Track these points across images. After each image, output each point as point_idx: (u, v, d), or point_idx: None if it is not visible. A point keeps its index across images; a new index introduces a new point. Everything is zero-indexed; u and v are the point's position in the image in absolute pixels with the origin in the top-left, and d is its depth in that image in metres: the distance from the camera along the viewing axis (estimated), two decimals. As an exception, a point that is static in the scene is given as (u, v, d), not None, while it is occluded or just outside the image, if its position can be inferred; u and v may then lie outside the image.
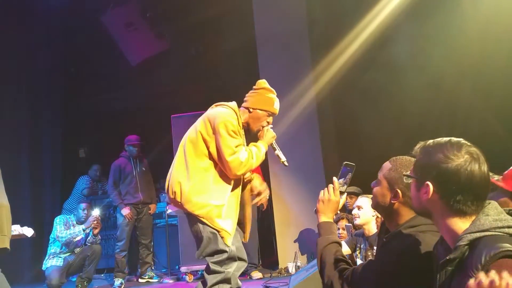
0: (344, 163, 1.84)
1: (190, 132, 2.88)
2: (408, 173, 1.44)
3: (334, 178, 1.83)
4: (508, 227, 1.20)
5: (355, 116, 5.80)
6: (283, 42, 5.84)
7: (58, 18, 6.99)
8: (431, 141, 1.37)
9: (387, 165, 1.71)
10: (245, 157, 2.73)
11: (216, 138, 2.75)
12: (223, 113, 2.81)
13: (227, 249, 2.67)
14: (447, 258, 1.24)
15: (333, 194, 1.82)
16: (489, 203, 1.28)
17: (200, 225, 2.73)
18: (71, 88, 7.69)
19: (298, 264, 5.24)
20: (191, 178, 2.75)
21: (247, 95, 2.98)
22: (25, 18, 6.64)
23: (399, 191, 1.61)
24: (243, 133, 2.90)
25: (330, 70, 5.69)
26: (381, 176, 1.70)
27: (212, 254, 2.71)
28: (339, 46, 5.66)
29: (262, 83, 2.99)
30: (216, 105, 2.98)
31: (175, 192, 2.77)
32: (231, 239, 2.75)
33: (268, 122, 2.93)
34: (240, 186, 2.91)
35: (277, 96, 3.01)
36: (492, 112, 4.57)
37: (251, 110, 2.90)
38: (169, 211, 2.93)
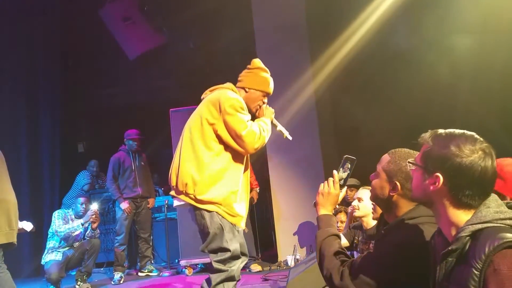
0: (345, 156, 1.83)
1: (193, 122, 2.79)
2: (413, 160, 1.42)
3: (334, 171, 1.83)
4: (510, 218, 1.21)
5: (354, 110, 5.80)
6: (281, 36, 5.82)
7: (56, 12, 6.95)
8: (442, 131, 1.34)
9: (386, 157, 1.71)
10: (258, 129, 2.71)
11: (225, 119, 2.68)
12: (226, 94, 2.76)
13: (230, 248, 2.65)
14: (449, 248, 1.24)
15: (333, 187, 1.82)
16: (490, 195, 1.29)
17: (208, 219, 2.68)
18: (70, 82, 7.66)
19: (297, 257, 5.26)
20: (203, 168, 2.67)
21: (241, 74, 2.95)
22: (22, 12, 6.60)
23: (398, 183, 1.62)
24: None
25: (329, 65, 5.68)
26: (380, 169, 1.70)
27: (215, 251, 2.68)
28: (338, 41, 5.65)
29: (257, 62, 2.97)
30: (212, 90, 2.93)
31: (186, 184, 2.68)
32: (244, 221, 2.76)
33: (264, 102, 2.92)
34: (248, 171, 2.89)
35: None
36: (489, 109, 4.57)
37: (247, 90, 2.88)
38: (175, 203, 2.87)
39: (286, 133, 2.91)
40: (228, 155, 2.73)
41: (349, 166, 1.84)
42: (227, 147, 2.73)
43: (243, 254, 2.78)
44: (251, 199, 5.83)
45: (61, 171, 6.99)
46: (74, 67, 7.78)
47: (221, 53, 7.11)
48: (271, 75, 2.97)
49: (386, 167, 1.67)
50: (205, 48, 7.39)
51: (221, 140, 2.72)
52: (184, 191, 2.71)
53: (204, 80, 7.39)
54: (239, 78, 2.95)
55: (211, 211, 2.68)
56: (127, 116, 7.26)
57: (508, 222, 1.20)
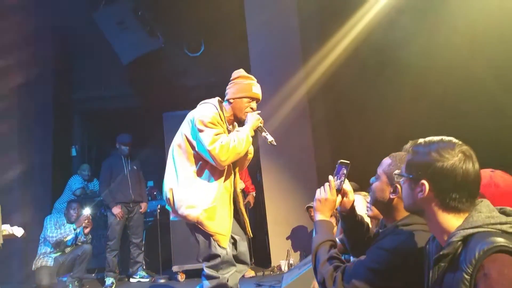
0: (339, 161, 1.83)
1: (177, 137, 2.89)
2: (399, 172, 1.45)
3: (330, 177, 1.82)
4: (500, 223, 1.22)
5: (346, 113, 5.82)
6: (274, 39, 5.85)
7: (49, 16, 6.92)
8: (422, 140, 1.38)
9: (386, 160, 1.72)
10: (226, 141, 2.69)
11: (196, 135, 2.74)
12: (201, 109, 2.82)
13: (220, 253, 2.67)
14: (441, 253, 1.25)
15: (330, 193, 1.81)
16: (481, 201, 1.30)
17: (195, 230, 2.77)
18: (63, 86, 7.61)
19: (291, 262, 5.24)
20: (181, 183, 2.75)
21: (226, 88, 2.98)
22: (16, 15, 6.55)
23: (398, 186, 1.63)
24: (227, 125, 2.88)
25: (321, 68, 5.70)
26: (381, 172, 1.71)
27: (207, 259, 2.73)
28: (330, 43, 5.68)
29: (237, 72, 3.00)
30: (199, 104, 2.98)
31: (168, 199, 2.79)
32: (227, 240, 2.74)
33: (252, 108, 2.92)
34: (231, 183, 2.89)
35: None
36: (478, 116, 4.60)
37: (231, 101, 2.91)
38: (171, 217, 2.94)
39: (270, 139, 2.88)
40: (207, 172, 2.77)
41: (344, 171, 1.83)
42: (206, 163, 2.77)
43: (243, 262, 2.79)
44: (248, 203, 5.82)
45: (54, 175, 6.93)
46: (67, 71, 7.74)
47: (215, 57, 7.11)
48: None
49: (387, 170, 1.69)
50: (198, 52, 7.40)
51: (198, 156, 2.77)
52: (169, 206, 2.83)
53: (198, 84, 7.42)
54: (225, 93, 2.98)
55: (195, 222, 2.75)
56: (121, 119, 7.23)
57: (499, 226, 1.21)
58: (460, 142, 1.32)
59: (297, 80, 5.71)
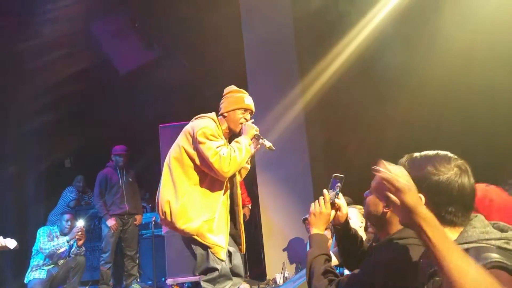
0: (334, 175, 1.84)
1: (173, 150, 2.91)
2: None
3: (325, 191, 1.84)
4: (495, 239, 1.21)
5: (343, 127, 5.83)
6: (271, 53, 5.88)
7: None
8: (417, 154, 1.39)
9: None
10: (227, 152, 2.73)
11: (197, 148, 2.76)
12: (200, 123, 2.85)
13: (218, 266, 2.67)
14: (435, 268, 1.24)
15: (324, 207, 1.82)
16: (476, 216, 1.31)
17: (192, 243, 2.76)
18: (57, 96, 7.60)
19: (286, 275, 5.21)
20: (180, 196, 2.76)
21: (220, 104, 3.04)
22: (10, 27, 6.57)
23: None
24: (225, 139, 2.94)
25: (317, 82, 5.73)
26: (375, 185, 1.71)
27: (204, 272, 2.73)
28: (327, 58, 5.71)
29: (229, 88, 3.07)
30: (195, 118, 3.02)
31: (165, 212, 2.78)
32: (224, 252, 2.76)
33: (246, 119, 2.97)
34: (228, 196, 2.91)
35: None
36: (473, 129, 4.63)
37: (225, 114, 2.97)
38: (164, 230, 2.97)
39: (269, 144, 2.92)
40: (206, 184, 2.80)
41: (339, 184, 1.84)
42: (205, 175, 2.80)
43: (237, 275, 2.79)
44: (243, 216, 5.80)
45: (48, 186, 6.89)
46: (62, 81, 7.73)
47: (211, 70, 7.13)
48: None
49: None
50: (195, 64, 7.43)
51: (198, 169, 2.80)
52: (164, 219, 2.81)
53: (194, 97, 7.43)
54: (219, 109, 3.04)
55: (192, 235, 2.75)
56: (116, 131, 7.21)
57: (493, 242, 1.21)
58: (456, 156, 1.33)
59: (294, 95, 5.73)
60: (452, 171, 1.28)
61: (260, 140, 2.94)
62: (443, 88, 4.85)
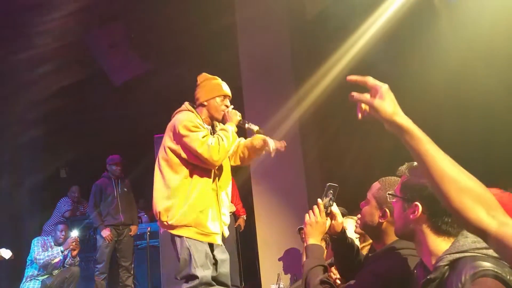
0: (328, 184, 1.86)
1: (160, 152, 2.95)
2: (392, 192, 1.46)
3: (319, 200, 1.84)
4: (487, 248, 1.21)
5: (338, 138, 5.86)
6: (266, 64, 5.91)
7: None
8: None
9: (376, 184, 1.74)
10: (215, 141, 2.74)
11: (182, 142, 2.78)
12: (179, 118, 2.89)
13: (199, 274, 2.66)
14: (428, 278, 1.26)
15: (319, 216, 1.82)
16: None
17: (178, 245, 2.76)
18: (52, 106, 7.60)
19: (281, 286, 5.19)
20: (173, 193, 2.78)
21: (195, 93, 3.07)
22: (6, 39, 6.59)
23: (387, 210, 1.65)
24: (209, 127, 2.98)
25: (313, 94, 5.76)
26: (370, 196, 1.73)
27: (186, 278, 2.73)
28: (323, 69, 5.75)
29: (202, 75, 3.10)
30: (172, 116, 3.07)
31: (159, 213, 2.78)
32: (220, 237, 2.81)
33: (226, 106, 3.00)
34: (217, 182, 2.92)
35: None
36: (468, 140, 4.66)
37: (204, 103, 2.99)
38: (162, 231, 2.96)
39: (256, 128, 2.99)
40: (196, 176, 2.81)
41: (332, 193, 1.85)
42: (194, 168, 2.81)
43: (223, 284, 2.77)
44: (238, 227, 5.80)
45: (43, 197, 6.86)
46: (57, 92, 7.73)
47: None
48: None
49: (376, 194, 1.71)
50: (191, 76, 7.43)
51: (186, 163, 2.81)
52: (159, 219, 2.81)
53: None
54: (195, 98, 3.06)
55: (182, 236, 2.74)
56: (111, 142, 7.21)
57: (485, 251, 1.21)
58: None
59: (289, 105, 5.76)
60: None
61: (247, 125, 3.00)
62: (440, 98, 4.89)
